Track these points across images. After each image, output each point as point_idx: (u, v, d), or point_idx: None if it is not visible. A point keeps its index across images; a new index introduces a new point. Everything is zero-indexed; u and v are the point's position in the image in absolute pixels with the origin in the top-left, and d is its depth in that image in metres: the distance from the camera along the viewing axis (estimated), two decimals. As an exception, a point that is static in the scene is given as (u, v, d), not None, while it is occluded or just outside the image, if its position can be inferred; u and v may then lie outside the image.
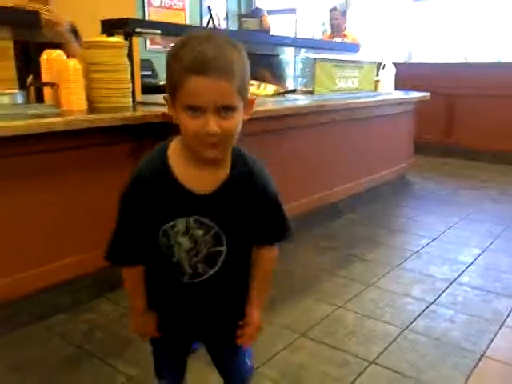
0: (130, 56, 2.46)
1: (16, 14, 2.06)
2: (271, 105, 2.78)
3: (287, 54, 4.33)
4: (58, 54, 2.20)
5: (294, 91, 3.34)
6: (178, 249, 1.03)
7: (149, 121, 2.16)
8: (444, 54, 6.07)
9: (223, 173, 1.00)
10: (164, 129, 2.24)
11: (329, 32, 4.89)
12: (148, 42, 6.19)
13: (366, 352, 1.83)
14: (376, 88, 3.93)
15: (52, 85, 2.16)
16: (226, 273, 1.06)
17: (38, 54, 2.20)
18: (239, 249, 1.07)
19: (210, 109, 0.88)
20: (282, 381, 1.65)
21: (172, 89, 0.91)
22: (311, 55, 3.72)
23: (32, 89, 2.21)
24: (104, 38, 2.28)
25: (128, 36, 2.44)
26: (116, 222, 1.04)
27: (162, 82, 5.17)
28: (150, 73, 5.53)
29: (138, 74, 2.73)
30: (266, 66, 4.11)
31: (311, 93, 3.33)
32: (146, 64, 5.51)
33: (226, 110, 0.90)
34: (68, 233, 2.07)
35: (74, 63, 2.15)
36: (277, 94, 3.26)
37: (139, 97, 2.77)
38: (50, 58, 2.18)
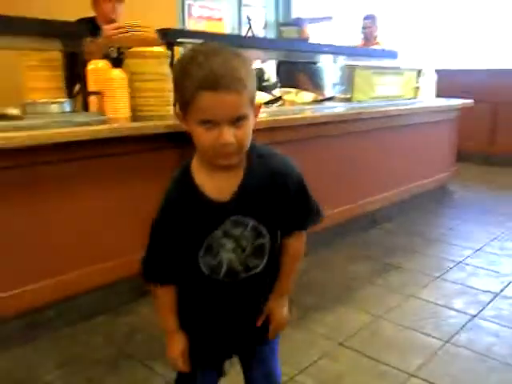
0: (172, 66, 2.52)
1: (65, 26, 2.15)
2: (309, 112, 2.79)
3: (325, 62, 4.32)
4: (103, 63, 2.27)
5: (331, 98, 3.33)
6: (224, 251, 1.04)
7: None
8: (485, 61, 5.91)
9: (240, 173, 1.02)
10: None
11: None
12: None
13: (405, 364, 1.79)
14: (416, 95, 3.87)
15: (97, 93, 2.24)
16: (270, 264, 1.09)
17: (84, 64, 2.29)
18: (277, 238, 1.09)
19: (225, 121, 0.91)
20: (318, 389, 1.64)
21: (184, 104, 0.93)
22: (350, 62, 3.71)
23: (79, 97, 2.29)
24: (146, 49, 2.34)
25: (170, 46, 2.50)
26: (149, 243, 1.07)
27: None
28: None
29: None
30: (305, 74, 4.12)
31: (349, 100, 3.32)
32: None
33: (239, 119, 0.92)
34: (112, 236, 2.13)
35: (118, 73, 2.22)
36: (315, 101, 3.26)
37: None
38: (96, 68, 2.27)
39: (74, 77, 2.36)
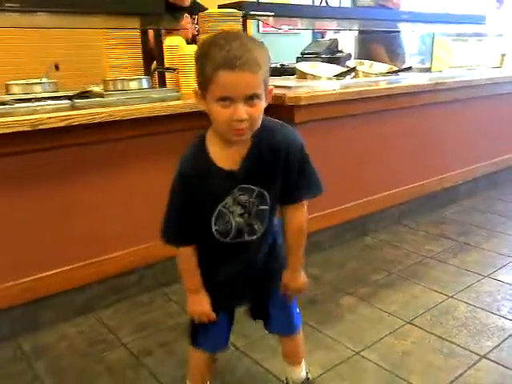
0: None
1: (143, 4, 2.22)
2: (382, 84, 2.69)
3: (404, 30, 4.12)
4: (179, 40, 2.33)
5: (409, 69, 3.18)
6: (233, 217, 1.16)
7: (261, 103, 2.22)
8: None
9: (247, 145, 1.12)
10: (275, 111, 2.29)
11: None
12: (261, 24, 6.26)
13: (477, 345, 1.74)
14: (502, 63, 3.59)
15: (173, 70, 2.31)
16: (266, 231, 1.21)
17: (161, 41, 2.36)
18: (275, 204, 1.20)
19: (240, 98, 1.00)
20: (383, 365, 1.64)
21: (204, 83, 1.02)
22: (429, 29, 3.51)
23: (156, 74, 2.38)
24: (219, 23, 2.36)
25: (242, 19, 2.51)
26: (168, 207, 1.17)
27: (273, 65, 5.22)
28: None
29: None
30: (381, 44, 3.96)
31: (429, 70, 3.16)
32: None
33: (253, 98, 1.02)
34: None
35: (192, 48, 2.27)
36: (390, 72, 3.13)
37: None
38: (172, 44, 2.33)
39: (151, 54, 2.44)
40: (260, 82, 1.02)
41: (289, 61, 4.79)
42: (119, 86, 2.13)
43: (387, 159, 2.72)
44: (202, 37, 2.35)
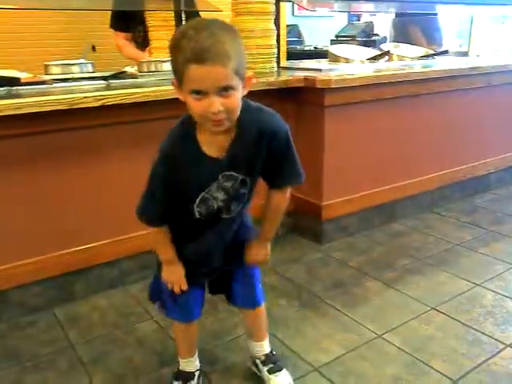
0: (277, 22, 2.53)
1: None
2: (416, 67, 2.64)
3: (442, 12, 4.00)
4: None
5: (445, 52, 3.11)
6: (216, 202, 1.19)
7: (291, 85, 2.23)
8: None
9: (232, 133, 1.13)
10: (306, 93, 2.29)
11: None
12: (295, 7, 6.20)
13: (502, 334, 1.73)
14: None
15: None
16: (243, 207, 1.26)
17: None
18: (255, 185, 1.24)
19: (212, 91, 0.99)
20: (405, 349, 1.65)
21: (178, 75, 1.02)
22: (468, 11, 3.41)
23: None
24: (253, 5, 2.36)
25: (276, 1, 2.50)
26: (149, 187, 1.18)
27: (306, 48, 5.17)
28: (296, 38, 5.56)
29: (283, 39, 2.79)
30: (418, 27, 3.86)
31: (466, 54, 3.07)
32: (293, 29, 5.55)
33: (226, 89, 1.00)
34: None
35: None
36: (426, 56, 3.07)
37: (284, 62, 2.84)
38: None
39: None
40: (232, 73, 0.99)
41: (323, 44, 4.73)
42: (153, 68, 2.18)
43: (418, 145, 2.69)
44: (236, 19, 2.36)
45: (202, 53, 0.95)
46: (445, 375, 1.53)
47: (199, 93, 1.00)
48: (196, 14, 2.57)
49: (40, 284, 1.90)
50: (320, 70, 2.42)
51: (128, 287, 2.09)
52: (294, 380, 1.51)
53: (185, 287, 1.30)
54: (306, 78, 2.23)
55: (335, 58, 2.86)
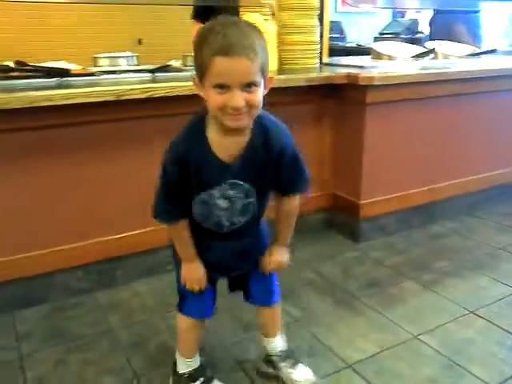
0: (321, 18, 2.52)
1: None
2: (462, 66, 2.58)
3: (489, 10, 3.89)
4: (257, 16, 2.36)
5: (493, 51, 3.02)
6: (216, 209, 1.19)
7: (333, 82, 2.22)
8: None
9: (245, 139, 1.13)
10: (347, 90, 2.28)
11: None
12: (339, 3, 6.14)
13: (544, 342, 1.68)
14: None
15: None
16: (253, 218, 1.25)
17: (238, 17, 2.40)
18: (264, 197, 1.25)
19: (236, 86, 0.99)
20: (442, 351, 1.63)
21: (201, 70, 1.02)
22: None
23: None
24: (296, 0, 2.36)
25: (320, -3, 2.49)
26: (160, 187, 1.18)
27: (349, 45, 5.12)
28: (338, 35, 5.51)
29: (326, 35, 2.78)
30: (463, 24, 3.77)
31: (515, 54, 2.98)
32: (336, 26, 5.50)
33: (250, 85, 1.00)
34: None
35: (268, 25, 2.30)
36: (472, 54, 2.99)
37: (326, 58, 2.83)
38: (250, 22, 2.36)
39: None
40: (257, 70, 1.00)
41: (366, 41, 4.68)
42: (197, 61, 2.21)
43: (461, 145, 2.63)
44: (281, 14, 2.37)
45: (230, 46, 0.96)
46: (483, 380, 1.50)
47: (223, 87, 1.00)
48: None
49: (83, 268, 1.98)
50: (362, 67, 2.40)
51: (166, 275, 2.13)
52: (327, 375, 1.52)
53: (203, 287, 1.31)
54: (348, 75, 2.22)
55: (378, 56, 2.83)
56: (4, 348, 1.68)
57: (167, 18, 2.97)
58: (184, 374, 1.43)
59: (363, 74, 2.17)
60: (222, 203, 1.19)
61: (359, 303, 1.93)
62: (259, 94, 1.03)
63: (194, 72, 1.06)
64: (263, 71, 1.03)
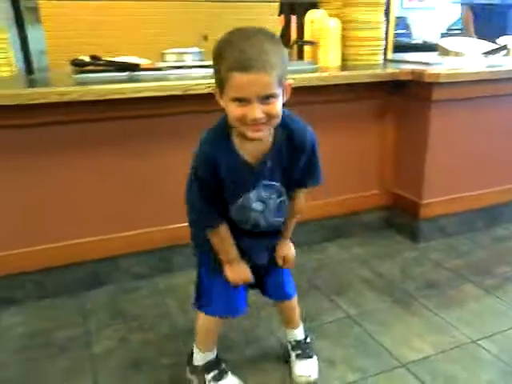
0: (387, 13, 2.48)
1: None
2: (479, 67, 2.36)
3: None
4: (322, 13, 2.36)
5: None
6: (253, 213, 1.23)
7: (397, 78, 2.18)
8: None
9: (269, 141, 1.16)
10: (412, 87, 2.24)
11: None
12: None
13: None
14: None
15: (312, 43, 2.36)
16: (283, 216, 1.30)
17: (303, 14, 2.42)
18: (290, 193, 1.27)
19: (254, 99, 1.01)
20: (502, 357, 1.57)
21: (220, 83, 1.04)
22: None
23: (295, 46, 2.45)
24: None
25: (387, -8, 2.45)
26: (194, 194, 1.19)
27: (414, 41, 4.98)
28: (403, 31, 5.37)
29: (391, 31, 2.74)
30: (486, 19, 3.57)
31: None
32: (401, 21, 5.37)
33: (268, 97, 1.02)
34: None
35: (334, 22, 2.30)
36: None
37: (390, 55, 2.78)
38: (313, 18, 2.37)
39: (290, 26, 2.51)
40: (275, 82, 1.00)
41: (432, 37, 4.54)
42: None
43: (490, 148, 2.49)
44: (345, 9, 2.36)
45: (246, 62, 0.96)
46: (546, 390, 1.44)
47: (241, 100, 1.01)
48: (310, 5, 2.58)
49: (145, 254, 2.08)
50: (428, 64, 2.34)
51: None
52: (380, 373, 1.52)
53: (251, 280, 1.33)
54: (413, 72, 2.17)
55: (445, 52, 2.75)
56: (74, 324, 1.80)
57: (233, 14, 3.02)
58: (199, 366, 1.46)
59: (429, 70, 2.12)
60: (258, 206, 1.22)
61: (416, 304, 1.90)
62: (278, 104, 1.05)
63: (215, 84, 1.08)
64: (281, 81, 1.04)
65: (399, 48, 3.63)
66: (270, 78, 0.99)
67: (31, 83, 1.99)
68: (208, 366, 1.46)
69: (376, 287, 2.02)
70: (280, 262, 1.39)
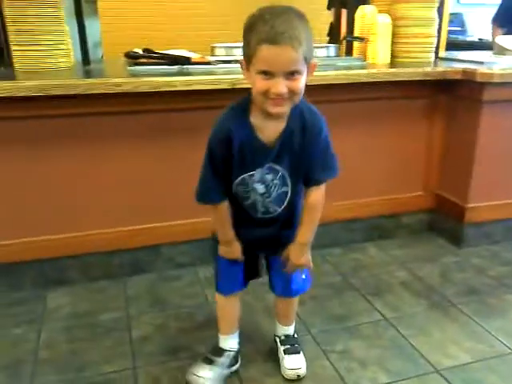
0: (440, 10, 2.42)
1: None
2: None
3: None
4: (372, 9, 2.33)
5: None
6: (254, 193, 1.25)
7: (448, 77, 2.13)
8: None
9: (283, 124, 1.18)
10: (463, 87, 2.17)
11: None
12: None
13: None
14: None
15: (361, 39, 2.33)
16: (286, 208, 1.30)
17: (354, 9, 2.39)
18: (297, 186, 1.28)
19: (279, 73, 1.04)
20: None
21: (248, 55, 1.07)
22: None
23: (344, 43, 2.42)
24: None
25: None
26: (204, 167, 1.24)
27: (469, 38, 4.81)
28: (459, 28, 5.19)
29: (445, 28, 2.66)
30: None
31: None
32: (456, 18, 5.18)
33: (293, 73, 1.05)
34: (364, 175, 2.29)
35: (384, 18, 2.26)
36: None
37: (442, 53, 2.71)
38: (364, 14, 2.34)
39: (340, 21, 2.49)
40: (301, 58, 1.04)
41: (488, 35, 4.36)
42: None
43: None
44: (397, 5, 2.31)
45: (276, 35, 1.00)
46: None
47: (267, 73, 1.05)
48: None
49: (188, 244, 2.13)
50: (482, 63, 2.26)
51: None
52: (413, 377, 1.50)
53: (241, 258, 1.37)
54: (464, 71, 2.11)
55: (502, 51, 2.64)
56: (116, 308, 1.88)
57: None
58: (214, 347, 1.53)
59: (481, 69, 2.05)
60: (260, 188, 1.24)
61: (455, 310, 1.86)
62: (301, 81, 1.08)
63: (243, 57, 1.11)
64: (307, 59, 1.07)
65: (453, 46, 3.52)
66: (296, 53, 1.03)
67: (87, 74, 2.08)
68: (212, 348, 1.53)
69: (414, 290, 1.99)
70: (289, 264, 1.36)
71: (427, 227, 2.50)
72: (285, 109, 1.12)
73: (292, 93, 1.08)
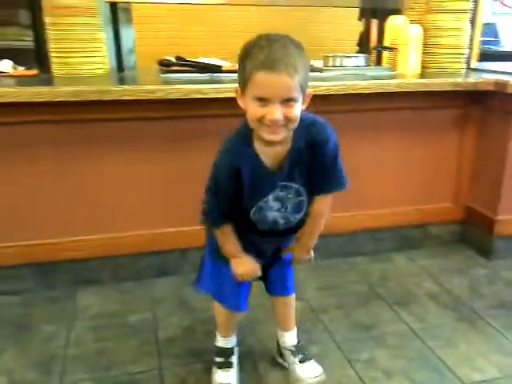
0: (473, 20, 2.40)
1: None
2: None
3: None
4: (403, 19, 2.33)
5: None
6: (270, 211, 1.25)
7: (479, 88, 2.11)
8: None
9: (288, 145, 1.17)
10: (494, 98, 2.15)
11: None
12: (495, 4, 5.67)
13: None
14: None
15: (392, 49, 2.33)
16: (303, 217, 1.31)
17: (384, 19, 2.39)
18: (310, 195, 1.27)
19: (275, 100, 1.03)
20: None
21: (244, 82, 1.06)
22: None
23: (374, 52, 2.43)
24: (447, 2, 2.27)
25: (474, -1, 2.37)
26: (211, 195, 1.23)
27: (502, 49, 4.73)
28: (491, 38, 5.10)
29: (477, 39, 2.63)
30: None
31: None
32: (489, 28, 5.10)
33: (289, 100, 1.04)
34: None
35: (415, 28, 2.26)
36: None
37: (474, 63, 2.68)
38: (395, 23, 2.34)
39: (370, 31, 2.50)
40: (296, 86, 1.03)
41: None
42: (337, 63, 2.25)
43: None
44: (428, 16, 2.31)
45: (273, 62, 1.00)
46: None
47: (262, 100, 1.04)
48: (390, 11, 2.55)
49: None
50: (515, 75, 2.23)
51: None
52: (440, 389, 1.49)
53: (259, 273, 1.36)
54: (496, 82, 2.09)
55: (536, 62, 2.60)
56: (142, 310, 1.92)
57: (317, 18, 3.06)
58: (219, 349, 1.55)
59: (514, 81, 2.03)
60: (275, 205, 1.24)
61: (483, 322, 1.83)
62: (297, 108, 1.07)
63: (238, 84, 1.11)
64: (302, 87, 1.06)
65: (486, 56, 3.47)
66: (292, 81, 1.03)
67: (121, 81, 2.14)
68: (218, 351, 1.55)
69: (441, 302, 1.97)
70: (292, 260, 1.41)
71: (456, 238, 2.47)
72: (280, 136, 1.10)
73: (287, 120, 1.07)
